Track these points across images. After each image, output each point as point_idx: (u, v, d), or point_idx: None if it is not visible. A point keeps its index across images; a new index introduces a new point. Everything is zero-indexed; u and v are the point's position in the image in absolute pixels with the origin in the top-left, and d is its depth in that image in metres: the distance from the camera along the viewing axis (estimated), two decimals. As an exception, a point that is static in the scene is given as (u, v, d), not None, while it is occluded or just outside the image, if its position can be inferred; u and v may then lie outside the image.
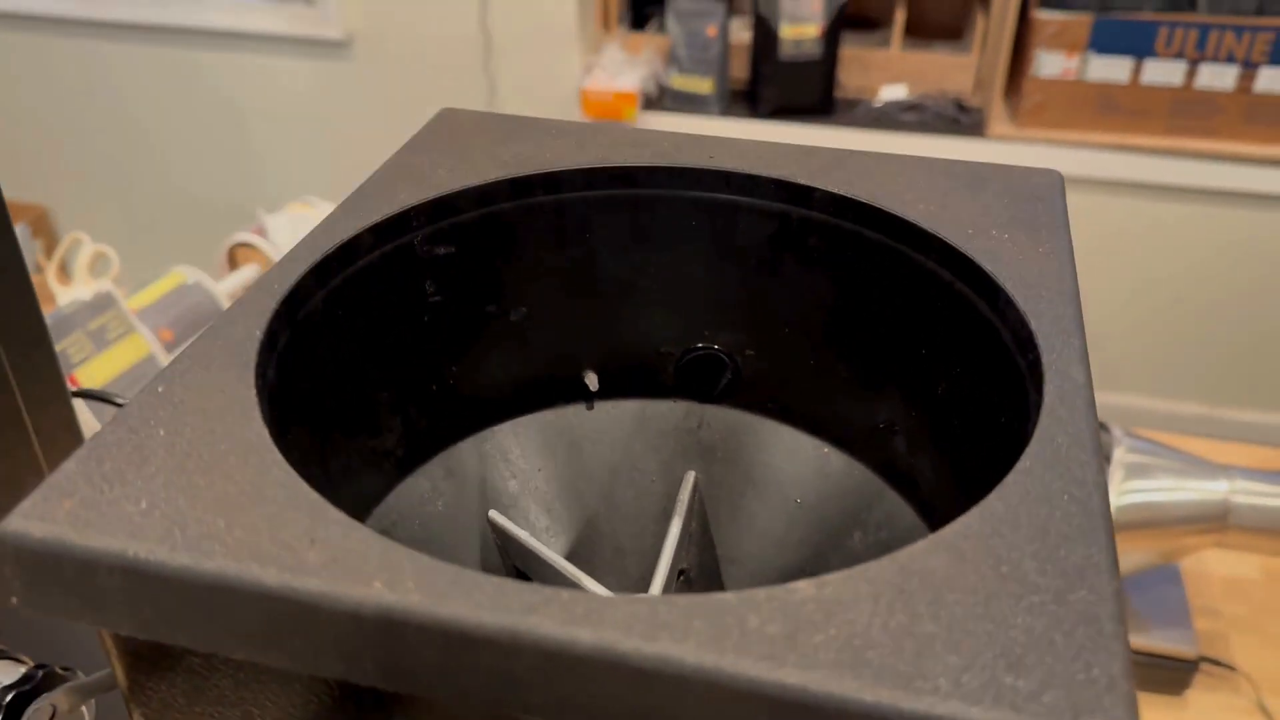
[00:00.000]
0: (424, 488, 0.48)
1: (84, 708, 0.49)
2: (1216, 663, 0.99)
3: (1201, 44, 2.11)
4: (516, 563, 0.49)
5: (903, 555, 0.28)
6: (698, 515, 0.51)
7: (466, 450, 0.50)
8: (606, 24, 2.39)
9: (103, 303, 1.20)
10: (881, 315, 0.45)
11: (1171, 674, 0.98)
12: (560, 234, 0.47)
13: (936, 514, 0.45)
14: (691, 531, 0.51)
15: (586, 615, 0.26)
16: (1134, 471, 0.96)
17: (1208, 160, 2.16)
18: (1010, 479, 0.30)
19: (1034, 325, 0.37)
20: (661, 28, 2.34)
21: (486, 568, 0.49)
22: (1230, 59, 2.10)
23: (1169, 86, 2.13)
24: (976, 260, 0.40)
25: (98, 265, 1.33)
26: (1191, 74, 2.12)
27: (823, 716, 0.25)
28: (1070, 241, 0.42)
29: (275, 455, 0.31)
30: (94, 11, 2.46)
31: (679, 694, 0.25)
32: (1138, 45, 2.13)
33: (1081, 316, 0.37)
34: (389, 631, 0.27)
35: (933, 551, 0.28)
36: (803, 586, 0.27)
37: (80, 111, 2.61)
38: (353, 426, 0.44)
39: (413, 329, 0.46)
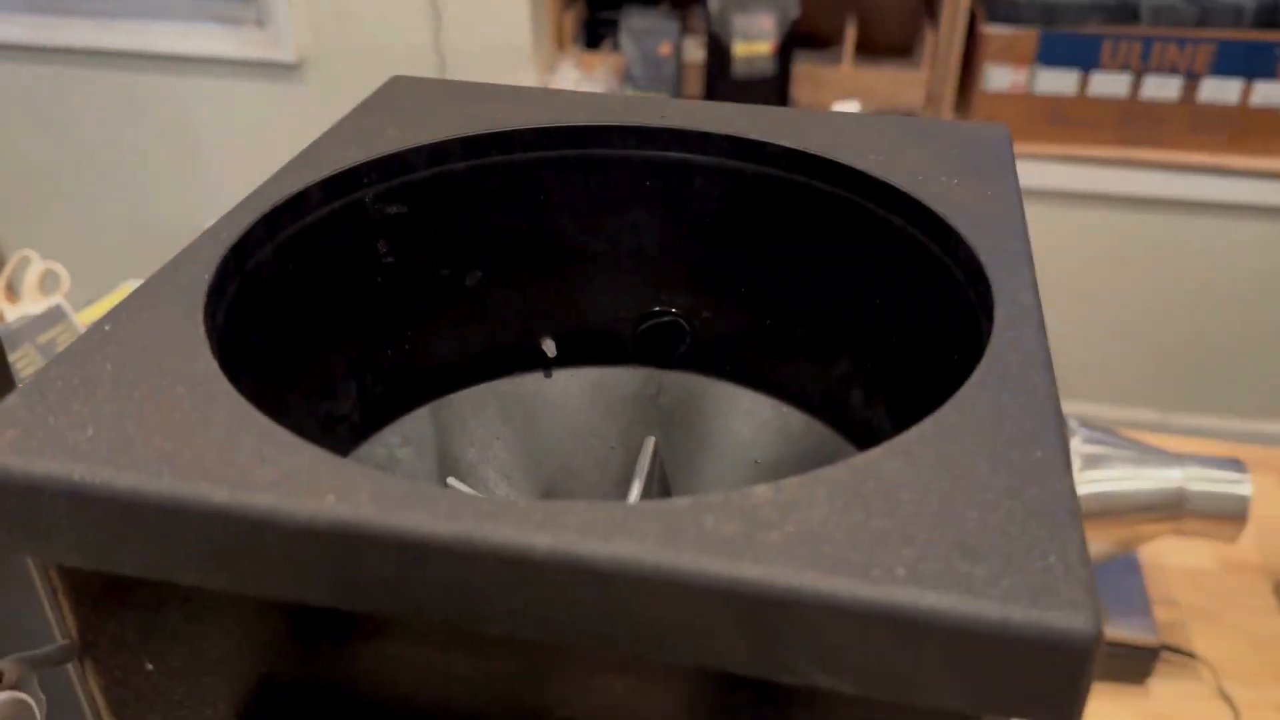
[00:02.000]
0: (380, 455, 0.48)
1: (35, 706, 0.48)
2: (1177, 650, 1.00)
3: (1146, 56, 2.16)
4: (476, 529, 0.49)
5: (858, 460, 0.28)
6: (658, 480, 0.51)
7: (423, 417, 0.50)
8: (561, 43, 2.41)
9: (53, 316, 1.18)
10: (835, 269, 0.46)
11: (1133, 663, 0.98)
12: (514, 196, 0.47)
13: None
14: (653, 496, 0.51)
15: (543, 521, 0.26)
16: (1091, 462, 0.97)
17: (1155, 170, 2.20)
18: (963, 391, 0.31)
19: (984, 259, 0.37)
20: (615, 46, 2.36)
21: (445, 535, 0.48)
22: (1174, 70, 2.15)
23: (1116, 98, 2.18)
24: (926, 203, 0.41)
25: (47, 282, 1.31)
26: (1137, 85, 2.17)
27: (781, 609, 0.24)
28: (1018, 186, 0.43)
29: (224, 384, 0.30)
30: (42, 37, 2.43)
31: (637, 594, 0.25)
32: (1084, 58, 2.18)
33: (1030, 250, 0.38)
34: (342, 545, 0.26)
35: (888, 456, 0.28)
36: (759, 490, 0.27)
37: (30, 136, 2.58)
38: (305, 387, 0.44)
39: (366, 290, 0.46)
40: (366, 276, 0.45)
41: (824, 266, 0.46)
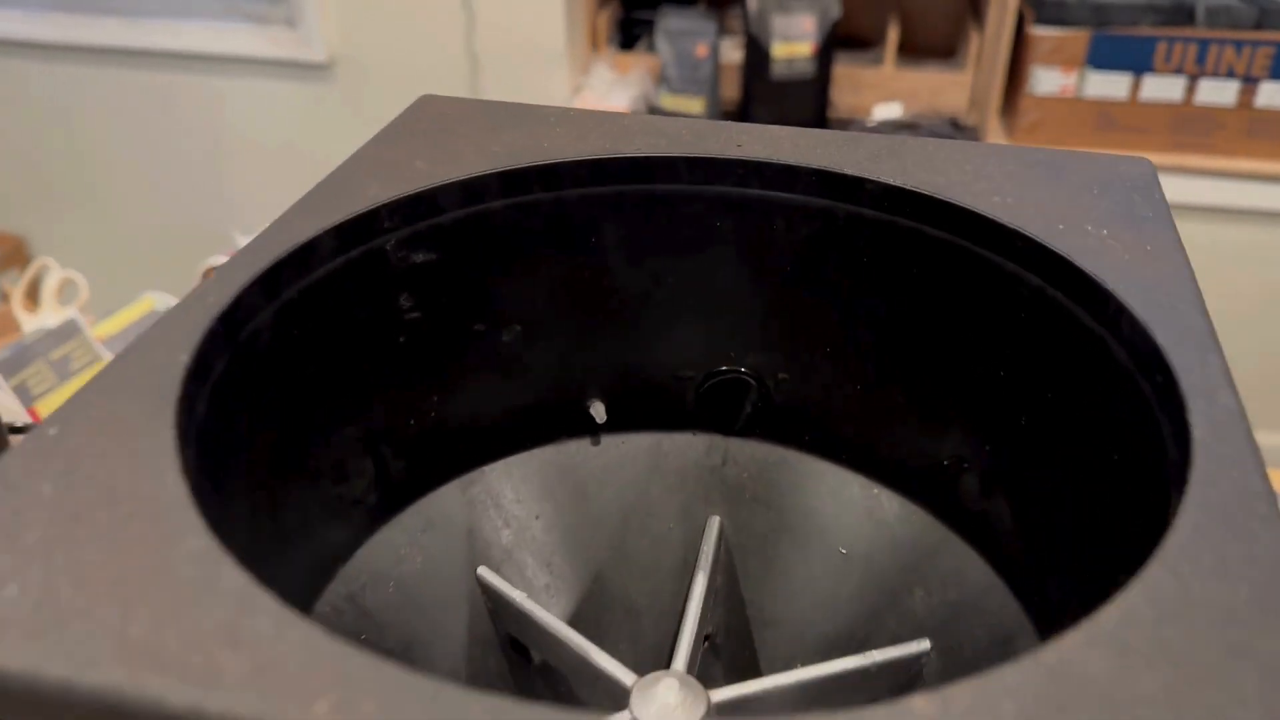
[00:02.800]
0: (400, 541, 0.40)
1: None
2: None
3: (1201, 59, 2.06)
4: (511, 630, 0.42)
5: (1049, 654, 0.20)
6: (724, 568, 0.44)
7: (451, 495, 0.42)
8: (595, 44, 2.33)
9: (67, 331, 1.12)
10: (948, 329, 0.38)
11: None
12: (561, 238, 0.40)
13: (1020, 570, 0.38)
14: (717, 588, 0.44)
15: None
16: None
17: (1210, 177, 2.10)
18: (1172, 541, 0.23)
19: (1159, 338, 0.29)
20: (651, 47, 2.28)
21: (475, 636, 0.41)
22: (1230, 74, 2.05)
23: (1169, 102, 2.09)
24: (1073, 259, 0.33)
25: (65, 292, 1.25)
26: (1191, 89, 2.07)
27: None
28: (1179, 239, 0.35)
29: (193, 517, 0.23)
30: (70, 36, 2.38)
31: None
32: (1136, 61, 2.08)
33: (1213, 328, 0.30)
34: (342, 771, 0.19)
35: (1088, 647, 0.21)
36: (920, 705, 0.19)
37: (56, 137, 2.53)
38: (311, 470, 0.37)
39: (386, 352, 0.38)
40: (387, 336, 0.38)
41: (933, 325, 0.38)
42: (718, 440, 0.45)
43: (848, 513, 0.43)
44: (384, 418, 0.39)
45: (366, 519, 0.40)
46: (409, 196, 0.37)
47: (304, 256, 0.34)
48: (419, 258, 0.38)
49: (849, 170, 0.38)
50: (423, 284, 0.38)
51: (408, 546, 0.41)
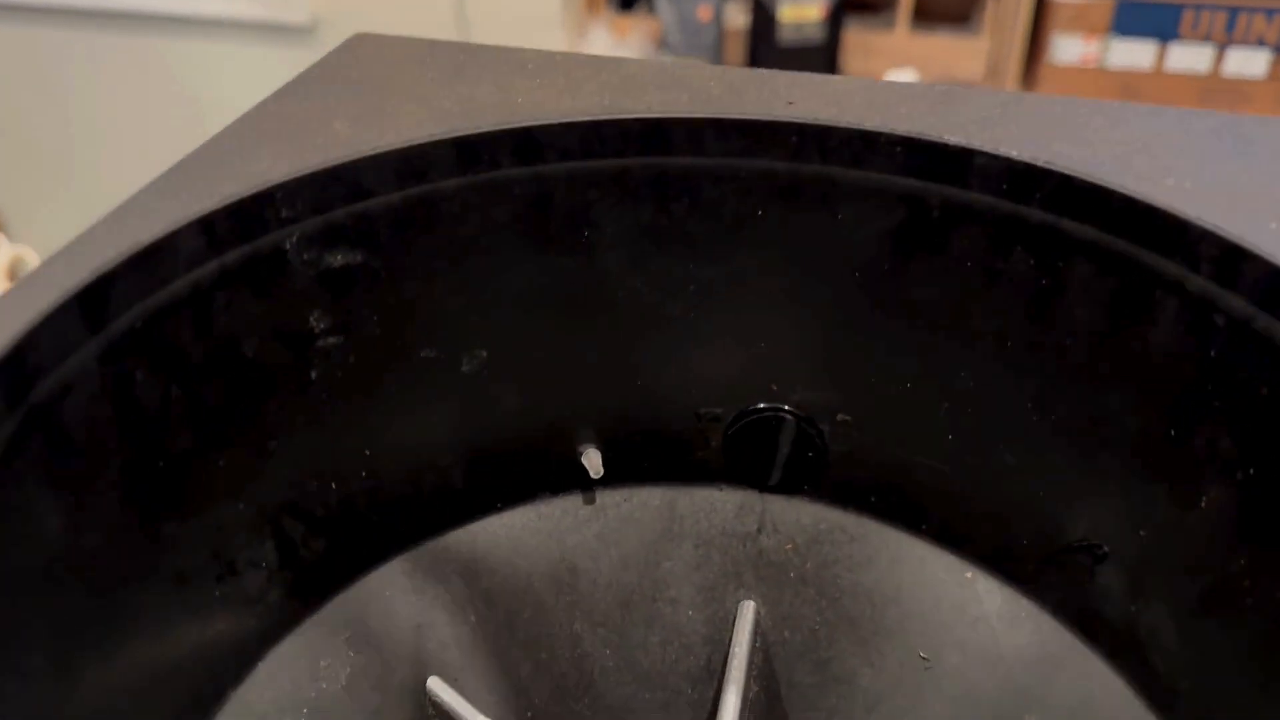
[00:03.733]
0: (317, 650, 0.29)
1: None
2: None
3: (1230, 26, 1.94)
4: (474, 766, 0.31)
5: None
6: (761, 675, 0.33)
7: (390, 580, 0.31)
8: (592, 6, 2.21)
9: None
10: (1090, 365, 0.27)
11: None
12: (540, 232, 0.29)
13: (1184, 707, 0.27)
14: (752, 700, 0.33)
15: None
16: None
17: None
18: None
19: None
20: (651, 9, 2.16)
21: (425, 776, 0.30)
22: (1260, 43, 1.94)
23: (1196, 73, 1.97)
24: (1311, 275, 0.22)
25: (16, 269, 1.13)
26: (1220, 59, 1.96)
27: None
28: None
29: None
30: (35, -4, 2.25)
31: None
32: (1162, 28, 1.96)
33: None
34: None
35: None
36: None
37: (26, 103, 2.41)
38: (174, 570, 0.25)
39: (288, 395, 0.27)
40: (290, 372, 0.27)
41: (1070, 358, 0.27)
42: (752, 499, 0.34)
43: (932, 605, 0.31)
44: (289, 484, 0.28)
45: (267, 623, 0.28)
46: (320, 172, 0.25)
47: (152, 262, 0.23)
48: (336, 260, 0.26)
49: (951, 138, 0.27)
50: (342, 297, 0.27)
51: (329, 656, 0.29)
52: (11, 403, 0.20)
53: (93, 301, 0.22)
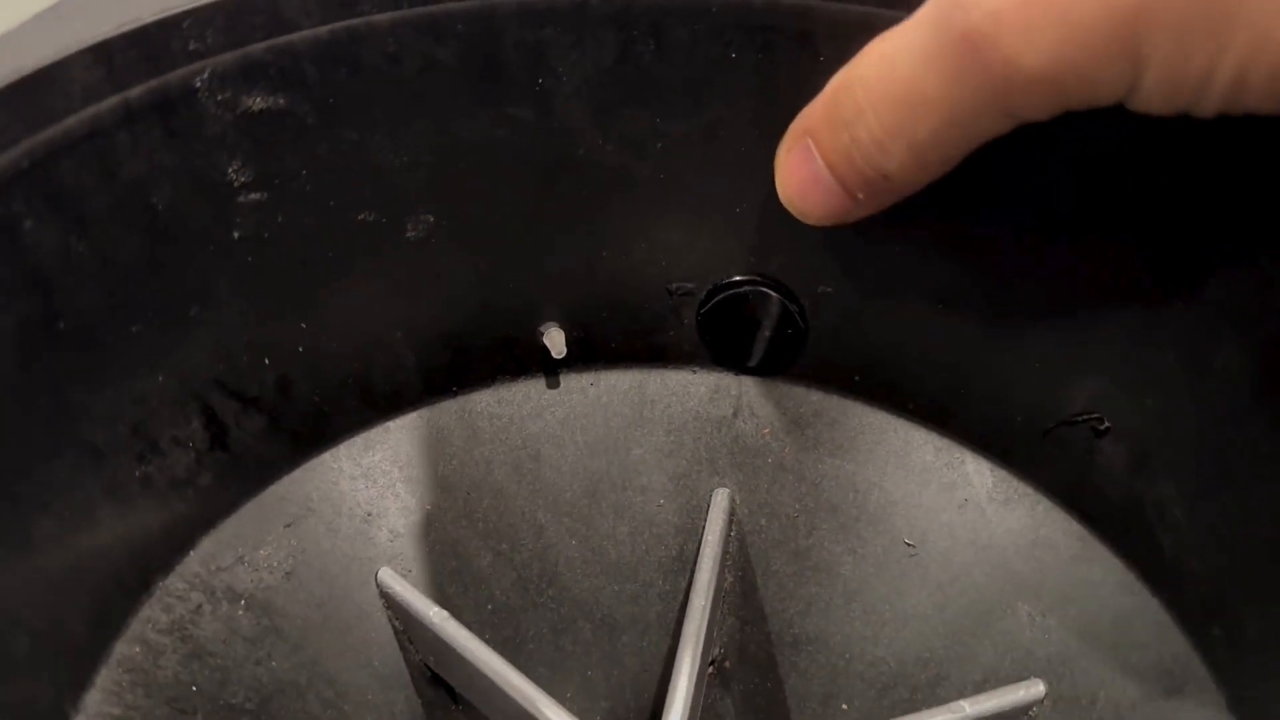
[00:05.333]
0: (255, 538, 0.27)
1: None
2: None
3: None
4: (429, 661, 0.29)
5: None
6: (738, 564, 0.31)
7: (337, 466, 0.29)
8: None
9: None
10: (1082, 209, 0.24)
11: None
12: (489, 78, 0.26)
13: (1190, 587, 0.25)
14: (728, 591, 0.31)
15: None
16: None
17: None
18: None
19: None
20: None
21: (375, 670, 0.28)
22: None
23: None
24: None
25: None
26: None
27: None
28: None
29: None
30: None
31: None
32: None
33: None
34: None
35: None
36: None
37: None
38: (92, 445, 0.23)
39: (210, 254, 0.25)
40: (210, 229, 0.24)
41: (1058, 204, 0.25)
42: (728, 381, 0.32)
43: (919, 488, 0.29)
44: (216, 357, 0.25)
45: (199, 508, 0.26)
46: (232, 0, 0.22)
47: (40, 93, 0.20)
48: (255, 103, 0.23)
49: (943, -37, 0.24)
50: (266, 147, 0.24)
51: (269, 545, 0.27)
52: None
53: (-36, 132, 0.19)
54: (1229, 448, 0.23)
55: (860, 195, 0.23)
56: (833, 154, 0.23)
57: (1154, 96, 0.18)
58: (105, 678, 0.24)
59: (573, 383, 0.32)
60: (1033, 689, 0.26)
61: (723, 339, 0.31)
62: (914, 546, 0.29)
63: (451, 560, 0.30)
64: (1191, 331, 0.23)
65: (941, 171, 0.22)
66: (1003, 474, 0.28)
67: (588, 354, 0.31)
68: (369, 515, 0.29)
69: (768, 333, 0.31)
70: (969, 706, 0.25)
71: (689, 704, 0.26)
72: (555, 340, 0.30)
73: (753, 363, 0.31)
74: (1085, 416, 0.26)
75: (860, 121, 0.22)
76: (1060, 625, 0.27)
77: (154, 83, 0.22)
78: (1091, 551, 0.27)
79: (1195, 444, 0.24)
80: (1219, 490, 0.24)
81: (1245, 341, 0.23)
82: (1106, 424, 0.26)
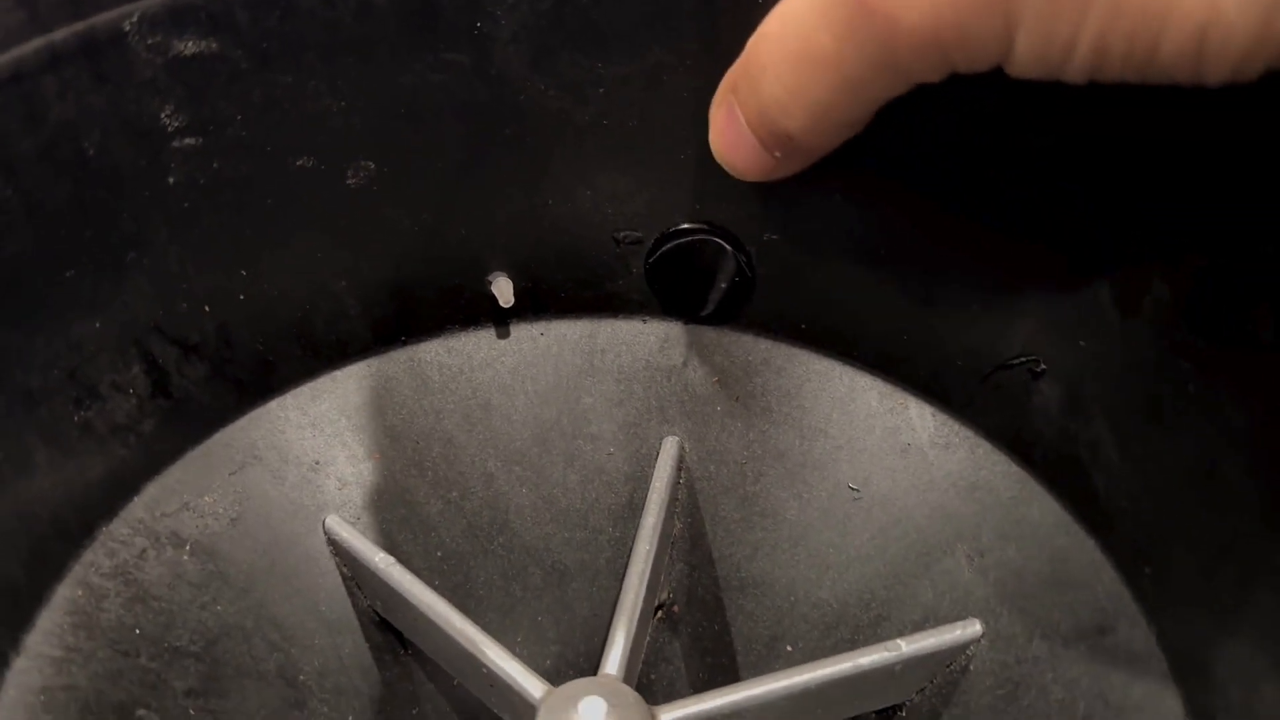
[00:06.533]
0: (202, 484, 0.27)
1: None
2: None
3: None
4: (375, 606, 0.29)
5: None
6: (686, 510, 0.31)
7: (284, 414, 0.29)
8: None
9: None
10: (1017, 155, 0.24)
11: None
12: (426, 20, 0.26)
13: (1124, 526, 0.25)
14: (675, 537, 0.31)
15: None
16: None
17: None
18: None
19: None
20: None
21: (322, 616, 0.28)
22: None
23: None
24: None
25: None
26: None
27: None
28: None
29: None
30: None
31: None
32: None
33: None
34: None
35: None
36: None
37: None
38: (25, 389, 0.23)
39: (145, 199, 0.25)
40: (145, 174, 0.24)
41: (1007, 143, 0.25)
42: (677, 331, 0.32)
43: (863, 434, 0.30)
44: (154, 303, 0.26)
45: (143, 455, 0.26)
46: (160, -60, 0.22)
47: (-43, 34, 0.20)
48: (186, 48, 0.23)
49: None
50: (198, 92, 0.24)
51: (213, 493, 0.28)
52: None
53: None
54: (1157, 388, 0.24)
55: (777, 154, 0.23)
56: (748, 112, 0.23)
57: (1027, 60, 0.18)
58: (46, 620, 0.24)
59: (522, 332, 0.32)
60: (969, 628, 0.26)
61: (671, 288, 0.31)
62: (858, 491, 0.29)
63: (400, 509, 0.30)
64: (1120, 273, 0.24)
65: (846, 133, 0.23)
66: (944, 418, 0.29)
67: (537, 304, 0.32)
68: (316, 464, 0.29)
69: (716, 282, 0.31)
70: (905, 645, 0.26)
71: (629, 647, 0.26)
72: (503, 290, 0.31)
73: (702, 312, 0.32)
74: (1022, 359, 0.27)
75: (764, 80, 0.22)
76: (997, 566, 0.27)
77: (80, 26, 0.22)
78: (1029, 493, 0.27)
79: (1125, 384, 0.24)
80: (1148, 430, 0.24)
81: (1172, 282, 0.23)
82: (1042, 366, 0.26)
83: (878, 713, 0.27)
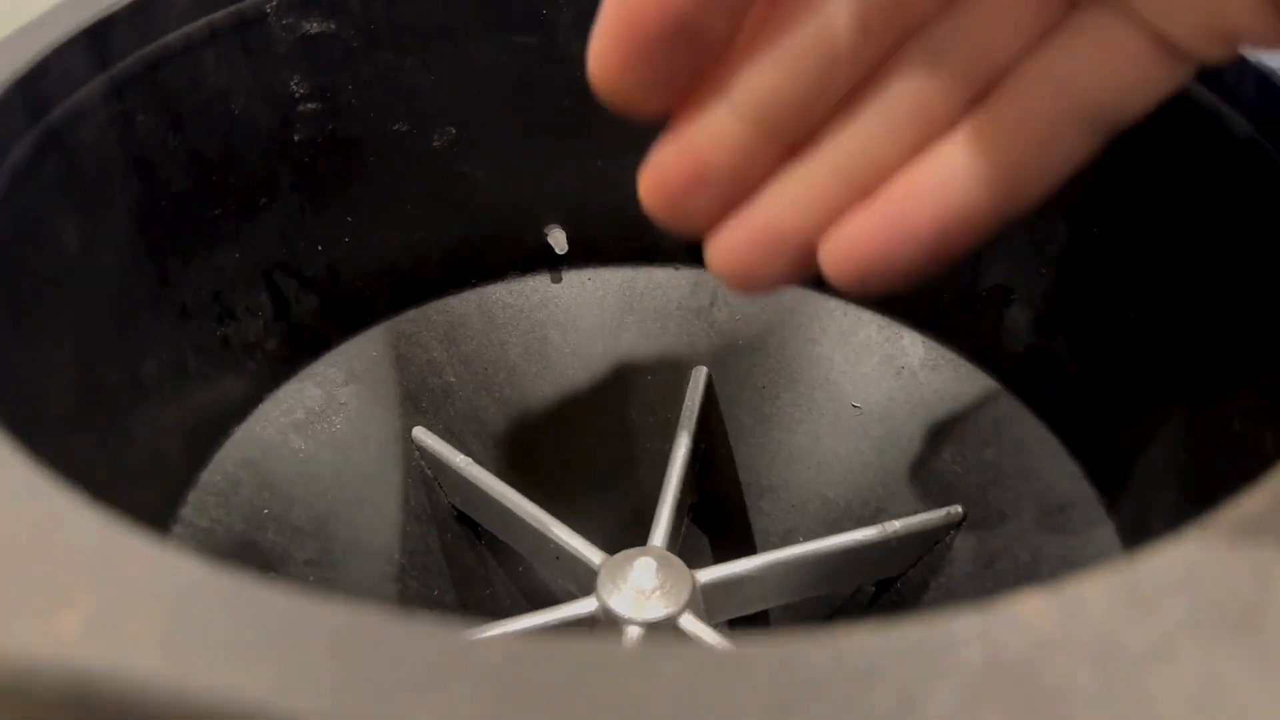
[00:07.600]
0: (313, 397, 0.33)
1: None
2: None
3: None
4: (455, 502, 0.34)
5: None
6: (713, 427, 0.36)
7: (379, 341, 0.35)
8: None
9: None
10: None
11: None
12: (501, 8, 0.31)
13: (1081, 423, 0.30)
14: (704, 450, 0.36)
15: None
16: None
17: None
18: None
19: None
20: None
21: (411, 508, 0.34)
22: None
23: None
24: None
25: None
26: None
27: None
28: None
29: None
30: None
31: None
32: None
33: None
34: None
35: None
36: (1033, 608, 0.12)
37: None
38: (181, 304, 0.29)
39: (274, 153, 0.30)
40: (274, 132, 0.30)
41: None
42: (705, 277, 0.37)
43: (862, 359, 0.35)
44: (279, 240, 0.31)
45: (268, 369, 0.32)
46: (295, -58, 0.28)
47: (147, 14, 0.26)
48: (312, 27, 0.29)
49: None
50: (320, 64, 0.30)
51: (323, 403, 0.33)
52: (32, 119, 0.23)
53: (97, 40, 0.24)
54: (1109, 306, 0.29)
55: None
56: None
57: None
58: (195, 498, 0.29)
59: (573, 278, 0.37)
60: (951, 511, 0.31)
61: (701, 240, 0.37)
62: (859, 408, 0.35)
63: (474, 423, 0.35)
64: (1073, 206, 0.29)
65: None
66: (932, 344, 0.34)
67: (586, 253, 0.37)
68: (404, 384, 0.35)
69: (739, 233, 0.36)
70: (899, 525, 0.31)
71: (670, 526, 0.31)
72: (558, 239, 0.36)
73: (726, 260, 0.37)
74: (997, 288, 0.32)
75: None
76: (976, 463, 0.32)
77: (234, 8, 0.27)
78: (1004, 402, 0.32)
79: (1082, 304, 0.30)
80: (1102, 343, 0.29)
81: (1119, 211, 0.28)
82: (1013, 295, 0.32)
83: (878, 583, 0.33)
